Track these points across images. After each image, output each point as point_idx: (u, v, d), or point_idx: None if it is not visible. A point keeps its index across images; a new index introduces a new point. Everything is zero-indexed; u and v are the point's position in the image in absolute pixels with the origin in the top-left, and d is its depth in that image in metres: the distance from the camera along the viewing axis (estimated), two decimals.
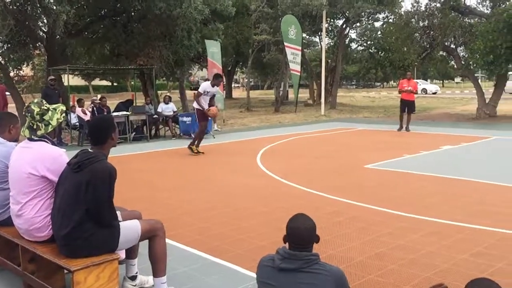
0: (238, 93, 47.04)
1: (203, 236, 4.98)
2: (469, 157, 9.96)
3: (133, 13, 16.44)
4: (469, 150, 10.86)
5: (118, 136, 3.63)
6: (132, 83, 24.95)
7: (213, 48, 17.88)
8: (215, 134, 14.00)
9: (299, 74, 22.70)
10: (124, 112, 13.64)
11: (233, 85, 48.98)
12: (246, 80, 34.40)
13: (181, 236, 4.91)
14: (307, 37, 31.99)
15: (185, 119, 13.55)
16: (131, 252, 3.64)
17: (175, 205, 6.29)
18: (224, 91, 29.11)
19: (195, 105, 10.53)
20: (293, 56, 21.80)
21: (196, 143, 10.55)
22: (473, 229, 5.01)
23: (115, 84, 54.05)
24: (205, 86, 10.42)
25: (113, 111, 14.14)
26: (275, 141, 12.57)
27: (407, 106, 14.78)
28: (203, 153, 10.48)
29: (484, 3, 19.26)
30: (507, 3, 17.69)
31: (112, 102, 18.65)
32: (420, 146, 11.04)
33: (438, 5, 19.27)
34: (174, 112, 14.49)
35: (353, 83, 69.07)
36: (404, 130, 14.57)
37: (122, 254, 3.59)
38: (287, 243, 2.45)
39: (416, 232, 4.96)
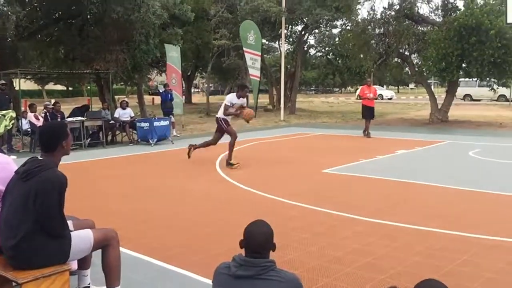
0: (197, 98, 46.77)
1: (158, 244, 4.89)
2: (423, 161, 10.27)
3: (89, 16, 16.07)
4: (423, 154, 11.20)
5: (71, 143, 3.52)
6: (88, 87, 24.37)
7: (173, 53, 17.72)
8: (174, 140, 13.84)
9: (258, 79, 22.80)
10: (79, 118, 13.28)
11: (192, 90, 48.69)
12: (206, 85, 34.24)
13: (136, 245, 4.81)
14: (267, 42, 32.24)
15: (142, 124, 13.32)
16: (84, 263, 3.53)
17: (130, 213, 6.16)
18: (184, 96, 28.86)
19: (220, 115, 9.58)
20: (253, 61, 21.90)
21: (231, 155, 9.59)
22: (426, 231, 5.15)
23: (70, 88, 52.60)
24: (230, 98, 9.57)
25: (68, 117, 13.74)
26: (236, 146, 12.52)
27: (370, 112, 14.85)
28: (238, 163, 9.46)
29: (436, 12, 19.99)
30: (458, 12, 18.41)
31: (67, 107, 18.14)
32: (376, 150, 11.30)
33: (393, 13, 19.85)
34: (131, 117, 14.23)
35: (312, 88, 70.00)
36: (366, 136, 14.57)
37: (74, 265, 3.48)
38: (244, 251, 2.44)
39: (371, 235, 5.06)
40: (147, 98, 29.17)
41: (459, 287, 3.72)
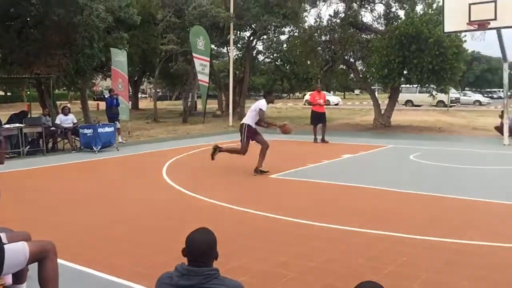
0: (145, 103, 45.91)
1: (100, 255, 4.73)
2: (367, 165, 10.56)
3: (28, 19, 15.41)
4: (367, 158, 11.53)
5: (7, 151, 3.34)
6: (28, 93, 23.32)
7: (119, 57, 17.33)
8: (120, 147, 13.49)
9: (207, 85, 22.73)
10: (17, 124, 12.67)
11: (140, 95, 47.76)
12: (153, 90, 33.71)
13: (76, 256, 4.61)
14: (216, 48, 32.19)
15: (86, 131, 12.89)
16: (19, 277, 3.36)
17: (71, 223, 5.93)
18: (130, 102, 28.26)
19: (249, 122, 9.24)
20: (202, 67, 21.79)
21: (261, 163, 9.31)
22: (369, 234, 5.28)
23: (8, 93, 50.15)
24: (263, 104, 9.34)
25: (5, 123, 13.08)
26: (183, 152, 12.42)
27: (320, 118, 14.99)
28: (267, 171, 9.23)
29: (379, 21, 20.70)
30: (399, 21, 19.14)
31: (4, 113, 17.30)
32: (323, 155, 11.51)
33: (338, 21, 20.38)
34: (74, 123, 13.74)
35: (261, 94, 70.55)
36: (320, 142, 14.65)
37: (8, 279, 3.30)
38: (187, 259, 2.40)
39: (316, 239, 5.12)
40: (91, 103, 28.36)
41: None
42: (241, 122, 9.51)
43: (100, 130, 12.76)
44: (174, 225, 5.73)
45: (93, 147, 12.56)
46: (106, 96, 17.01)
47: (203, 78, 21.99)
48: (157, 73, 25.81)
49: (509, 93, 14.67)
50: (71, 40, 15.23)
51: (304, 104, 49.02)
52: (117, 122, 14.58)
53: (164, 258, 4.53)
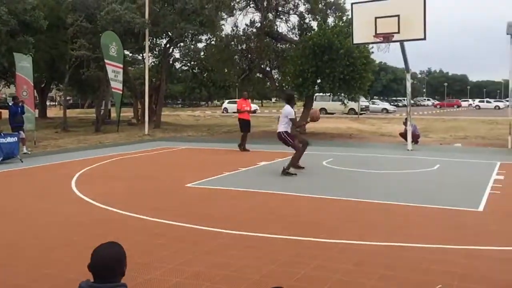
0: (54, 112, 43.47)
1: (3, 274, 4.35)
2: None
3: None
4: (282, 165, 11.70)
5: None
6: None
7: (23, 63, 16.24)
8: (24, 158, 12.58)
9: (121, 92, 21.99)
10: None
11: (48, 103, 45.19)
12: (63, 98, 32.03)
13: None
14: (130, 54, 31.34)
15: None
16: None
17: None
18: (37, 110, 26.64)
19: (283, 129, 9.84)
20: (115, 74, 21.07)
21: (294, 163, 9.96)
22: (283, 240, 5.35)
23: None
24: (290, 112, 9.86)
25: None
26: (94, 163, 11.87)
27: (248, 126, 14.70)
28: (303, 167, 10.25)
29: (294, 31, 21.34)
30: (312, 32, 19.86)
31: None
32: (239, 163, 11.56)
33: (254, 30, 20.72)
34: None
35: (178, 102, 69.78)
36: (242, 150, 14.22)
37: None
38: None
39: (233, 247, 5.10)
40: None
41: None
42: (278, 131, 10.08)
43: (1, 140, 11.82)
44: (83, 240, 5.42)
45: None
46: (10, 104, 15.84)
47: (116, 85, 21.27)
48: (67, 80, 24.54)
49: (412, 102, 15.74)
50: None
51: (223, 112, 49.29)
52: (21, 132, 13.61)
53: (71, 274, 4.26)
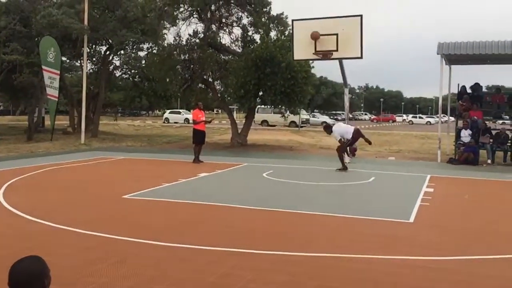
0: None
1: None
2: (222, 183, 10.76)
3: None
4: (223, 176, 11.74)
5: None
6: None
7: None
8: None
9: (56, 99, 21.14)
10: None
11: None
12: None
13: None
14: (68, 61, 30.22)
15: None
16: None
17: None
18: None
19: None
20: (51, 80, 20.26)
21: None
22: (220, 252, 5.32)
23: None
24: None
25: None
26: (25, 173, 11.27)
27: (202, 137, 14.42)
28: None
29: (237, 43, 21.45)
30: (255, 44, 20.08)
31: None
32: (179, 174, 11.41)
33: (198, 41, 20.64)
34: None
35: (119, 111, 67.96)
36: (198, 161, 13.94)
37: None
38: None
39: (170, 260, 5.01)
40: None
41: None
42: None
43: None
44: (8, 254, 5.10)
45: None
46: None
47: (52, 92, 20.44)
48: None
49: (350, 116, 16.28)
50: None
51: (164, 122, 48.55)
52: None
53: None
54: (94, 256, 5.10)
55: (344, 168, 12.54)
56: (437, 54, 15.50)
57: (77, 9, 21.61)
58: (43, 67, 19.98)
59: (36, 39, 20.53)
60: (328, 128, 13.53)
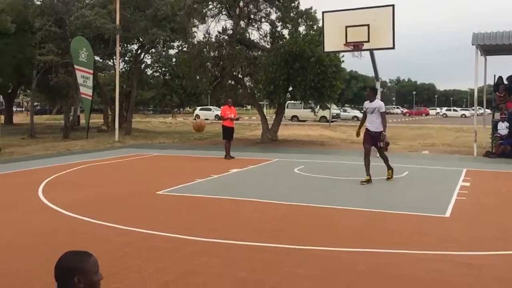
0: (21, 118, 42.40)
1: None
2: (254, 178, 10.80)
3: None
4: (254, 172, 11.78)
5: None
6: None
7: None
8: None
9: (90, 98, 21.62)
10: None
11: (15, 109, 44.04)
12: (30, 103, 31.22)
13: None
14: (101, 60, 30.88)
15: None
16: None
17: None
18: (2, 116, 25.94)
19: (376, 129, 9.59)
20: (84, 79, 20.72)
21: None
22: (254, 247, 5.35)
23: None
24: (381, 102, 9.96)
25: None
26: (62, 170, 11.60)
27: (230, 133, 14.40)
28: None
29: (265, 39, 21.42)
30: (284, 40, 20.01)
31: None
32: (211, 170, 11.51)
33: (227, 37, 20.72)
34: None
35: (150, 108, 69.09)
36: (230, 157, 13.94)
37: None
38: None
39: (203, 255, 5.06)
40: None
41: None
42: (376, 131, 9.64)
43: None
44: (49, 250, 5.27)
45: None
46: None
47: (86, 91, 20.91)
48: (35, 85, 24.00)
49: None
50: None
51: (194, 119, 49.02)
52: None
53: (37, 285, 4.15)
54: (130, 251, 5.21)
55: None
56: (472, 44, 15.06)
57: (109, 9, 22.02)
58: (75, 66, 20.45)
59: (70, 39, 21.02)
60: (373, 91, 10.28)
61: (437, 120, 54.14)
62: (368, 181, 9.55)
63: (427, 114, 76.32)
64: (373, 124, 9.62)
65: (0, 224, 6.46)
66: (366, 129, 9.80)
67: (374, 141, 9.74)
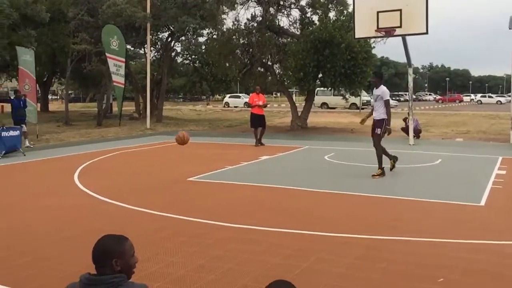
0: (56, 106, 43.55)
1: (4, 268, 4.38)
2: (284, 165, 10.80)
3: None
4: (284, 159, 11.79)
5: None
6: None
7: (26, 56, 16.25)
8: (26, 152, 12.62)
9: (123, 86, 21.99)
10: None
11: (50, 97, 45.20)
12: (65, 92, 31.99)
13: None
14: (132, 48, 31.29)
15: None
16: None
17: None
18: (39, 104, 26.68)
19: (383, 116, 8.87)
20: (116, 67, 21.06)
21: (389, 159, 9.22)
22: (285, 233, 5.38)
23: None
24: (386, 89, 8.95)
25: None
26: (96, 156, 11.90)
27: (259, 121, 14.57)
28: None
29: (295, 25, 21.24)
30: (314, 26, 19.79)
31: None
32: (242, 157, 11.58)
33: (256, 24, 20.64)
34: None
35: (180, 96, 69.71)
36: (259, 144, 14.03)
37: None
38: None
39: (235, 241, 5.13)
40: None
41: (312, 285, 3.93)
42: (379, 118, 8.93)
43: (4, 134, 11.84)
44: (84, 233, 5.44)
45: None
46: (11, 98, 15.84)
47: (118, 79, 21.27)
48: (69, 74, 24.55)
49: (414, 96, 15.71)
50: None
51: (224, 107, 49.22)
52: (23, 125, 13.65)
53: (72, 268, 4.29)
54: (162, 236, 5.32)
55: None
56: (509, 29, 14.56)
57: None
58: (107, 54, 20.77)
59: (103, 28, 21.35)
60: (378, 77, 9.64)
61: (472, 106, 52.71)
62: (381, 174, 8.87)
63: (461, 101, 74.33)
64: (376, 112, 9.03)
65: (37, 209, 6.69)
66: (373, 119, 9.19)
67: (373, 128, 9.15)
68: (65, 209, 6.62)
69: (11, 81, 35.42)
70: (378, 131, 8.99)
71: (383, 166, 8.96)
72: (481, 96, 72.87)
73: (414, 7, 13.12)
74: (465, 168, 10.29)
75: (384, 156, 9.13)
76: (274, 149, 13.18)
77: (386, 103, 8.91)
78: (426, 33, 13.28)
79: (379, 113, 8.96)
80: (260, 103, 14.53)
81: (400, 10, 13.16)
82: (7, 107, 25.17)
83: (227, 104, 50.85)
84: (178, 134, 8.56)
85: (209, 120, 27.47)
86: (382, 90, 8.95)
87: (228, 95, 53.42)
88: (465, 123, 24.13)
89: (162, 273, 4.20)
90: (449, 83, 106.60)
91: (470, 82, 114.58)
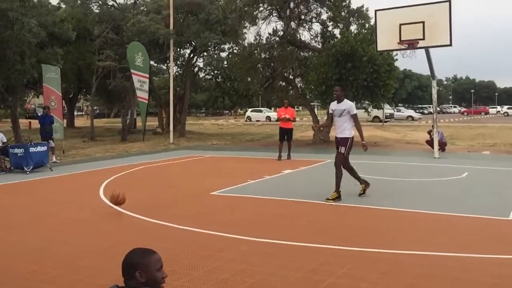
0: (81, 121, 44.43)
1: (32, 280, 4.45)
2: (306, 179, 10.74)
3: None
4: (306, 173, 11.73)
5: None
6: None
7: (51, 74, 16.69)
8: (53, 167, 12.89)
9: (147, 101, 22.34)
10: None
11: (76, 113, 46.17)
12: (90, 108, 32.66)
13: (5, 284, 4.32)
14: (155, 64, 31.82)
15: (16, 150, 12.19)
16: None
17: (2, 246, 5.55)
18: (65, 120, 27.25)
19: (351, 134, 8.19)
20: (140, 83, 21.42)
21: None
22: (308, 247, 5.33)
23: None
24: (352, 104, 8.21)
25: None
26: (121, 171, 12.06)
27: (286, 134, 14.47)
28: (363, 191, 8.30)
29: (316, 39, 21.32)
30: (335, 40, 19.81)
31: None
32: (264, 171, 11.57)
33: (277, 39, 20.78)
34: (3, 143, 12.99)
35: (202, 111, 70.36)
36: (286, 158, 14.04)
37: None
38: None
39: (257, 255, 5.10)
40: (23, 122, 27.06)
41: None
42: (345, 137, 8.16)
43: (31, 149, 12.13)
44: (112, 246, 5.51)
45: (24, 167, 11.91)
46: (39, 114, 16.24)
47: (142, 95, 21.62)
48: (94, 90, 25.07)
49: (438, 109, 15.50)
50: (1, 55, 14.51)
51: (246, 121, 49.42)
52: (50, 141, 13.96)
53: (102, 280, 4.34)
54: (186, 249, 5.34)
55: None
56: None
57: (163, 15, 22.65)
58: (132, 70, 21.17)
59: (127, 45, 21.82)
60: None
61: (498, 119, 51.67)
62: (336, 198, 7.88)
63: (487, 113, 72.95)
64: (340, 129, 8.15)
65: (64, 222, 6.81)
66: (335, 137, 8.39)
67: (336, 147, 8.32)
68: (91, 223, 6.71)
69: (38, 98, 36.28)
70: (342, 149, 8.19)
71: (340, 189, 8.04)
72: (508, 108, 71.34)
73: (438, 19, 13.02)
74: (492, 181, 10.06)
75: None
76: (297, 163, 13.14)
77: (355, 118, 8.17)
78: (450, 45, 13.15)
79: (343, 130, 8.13)
80: (287, 116, 14.49)
81: (423, 22, 13.09)
82: (34, 123, 25.79)
83: (249, 118, 51.07)
84: (114, 192, 7.26)
85: (231, 134, 27.60)
86: (349, 104, 8.20)
87: (250, 109, 53.66)
88: (491, 136, 23.65)
89: (185, 287, 4.20)
90: (474, 95, 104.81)
91: (496, 94, 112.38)
